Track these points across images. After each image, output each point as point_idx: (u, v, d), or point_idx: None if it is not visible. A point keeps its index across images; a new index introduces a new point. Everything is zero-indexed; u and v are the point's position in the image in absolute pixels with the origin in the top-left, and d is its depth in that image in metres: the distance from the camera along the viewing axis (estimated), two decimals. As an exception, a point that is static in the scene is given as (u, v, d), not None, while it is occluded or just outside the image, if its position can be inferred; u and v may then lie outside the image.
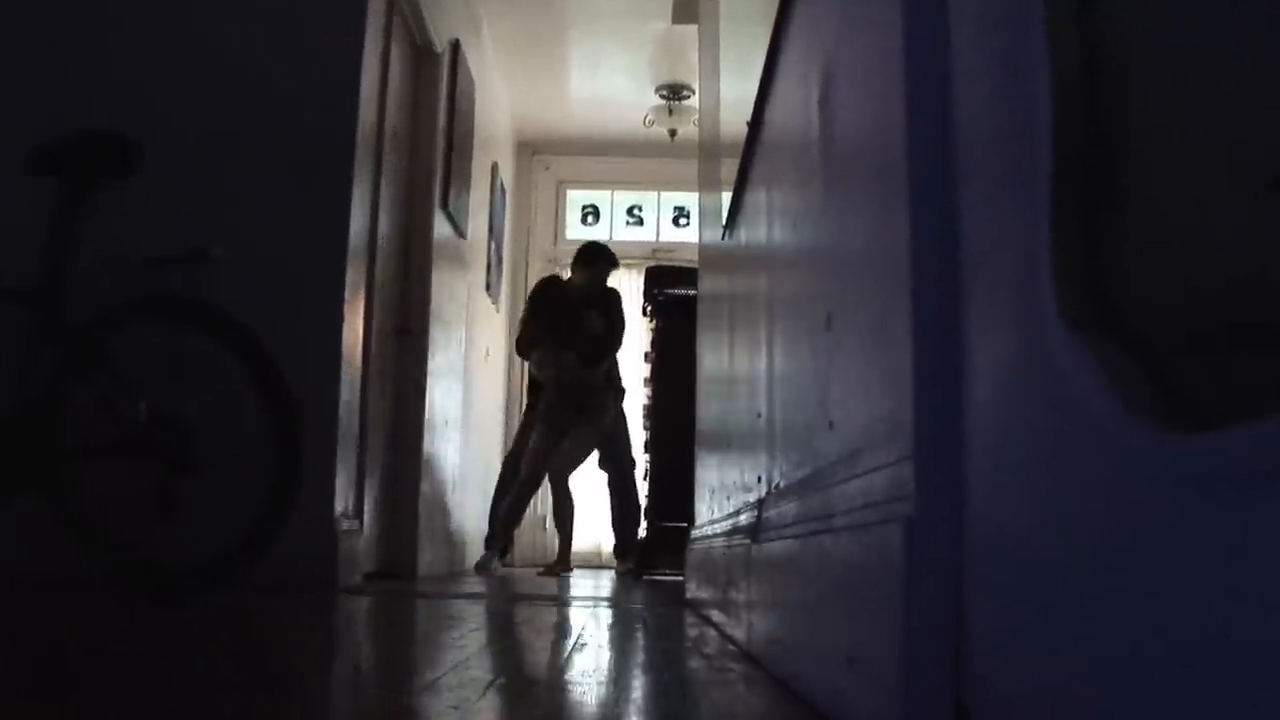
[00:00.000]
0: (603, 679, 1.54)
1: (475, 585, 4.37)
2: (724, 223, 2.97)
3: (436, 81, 4.95)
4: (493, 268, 6.93)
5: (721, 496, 2.84)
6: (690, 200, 7.64)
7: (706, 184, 4.02)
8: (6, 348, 2.65)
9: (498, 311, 7.33)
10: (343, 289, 3.52)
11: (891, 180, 1.01)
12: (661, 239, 8.30)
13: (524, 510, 6.02)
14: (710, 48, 4.09)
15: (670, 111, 7.29)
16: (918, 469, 0.91)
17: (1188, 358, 0.62)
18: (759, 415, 2.07)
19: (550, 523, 7.88)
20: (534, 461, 5.83)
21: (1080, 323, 0.66)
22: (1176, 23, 0.69)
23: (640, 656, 1.94)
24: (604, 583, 5.19)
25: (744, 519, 2.13)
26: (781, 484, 1.72)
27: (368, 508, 3.92)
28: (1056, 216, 0.69)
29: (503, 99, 7.32)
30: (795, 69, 1.73)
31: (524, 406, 6.31)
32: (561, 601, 3.47)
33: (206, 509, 2.64)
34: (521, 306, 7.52)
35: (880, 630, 0.94)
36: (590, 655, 1.86)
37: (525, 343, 6.03)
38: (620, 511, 6.00)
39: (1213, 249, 0.64)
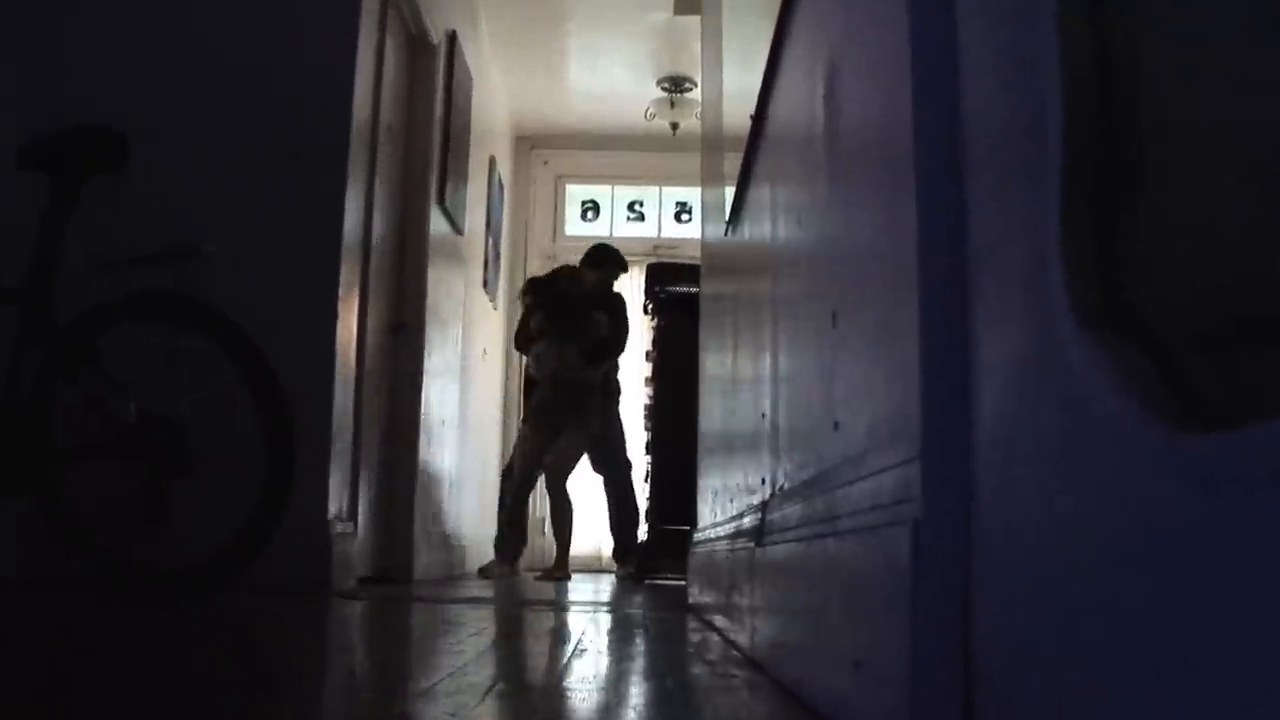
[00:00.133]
0: (603, 685, 1.54)
1: (473, 590, 4.37)
2: (727, 218, 2.98)
3: (432, 74, 4.96)
4: (490, 265, 6.94)
5: (724, 499, 2.84)
6: (692, 195, 7.64)
7: (709, 179, 4.02)
8: (-6, 346, 2.65)
9: (495, 309, 7.33)
10: (337, 286, 3.52)
11: (898, 174, 1.01)
12: (663, 235, 8.30)
13: (525, 509, 6.04)
14: (713, 39, 4.09)
15: (672, 104, 7.29)
16: (924, 470, 0.91)
17: (1199, 356, 0.62)
18: (763, 415, 2.08)
19: (548, 527, 7.90)
20: (527, 459, 5.84)
21: (1091, 319, 0.66)
22: (1189, 16, 0.69)
23: (641, 662, 1.95)
24: (604, 587, 5.19)
25: (748, 522, 2.13)
26: (786, 486, 1.72)
27: (362, 510, 3.92)
28: (1067, 211, 0.69)
29: (500, 92, 7.32)
30: (800, 62, 1.73)
31: (522, 415, 6.29)
32: (561, 606, 3.48)
33: (198, 510, 2.65)
34: (519, 304, 7.54)
35: (887, 634, 0.94)
36: (590, 661, 1.86)
37: (524, 337, 6.05)
38: (618, 514, 6.01)
39: (1226, 245, 0.65)
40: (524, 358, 6.26)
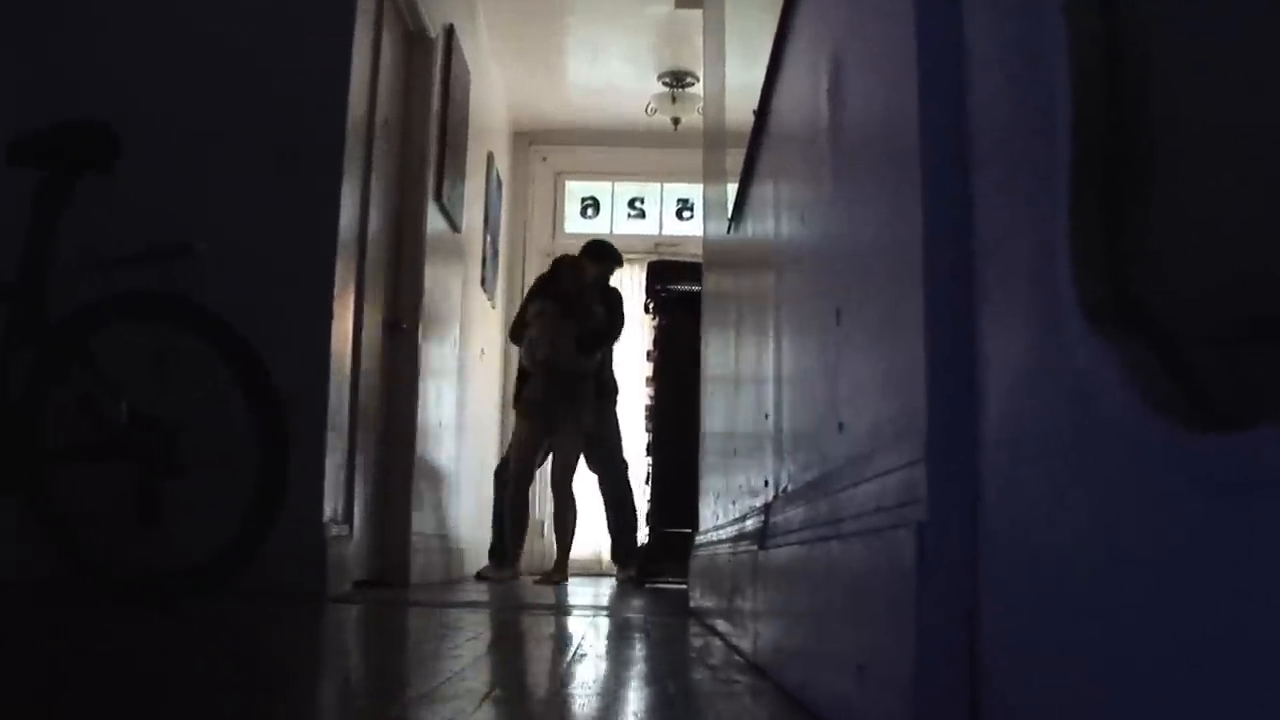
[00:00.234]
0: (602, 691, 1.54)
1: (471, 594, 4.37)
2: (729, 215, 2.98)
3: (429, 69, 4.96)
4: (488, 263, 6.94)
5: (727, 501, 2.84)
6: (694, 192, 7.64)
7: (711, 175, 4.02)
8: (-17, 346, 2.65)
9: (493, 308, 7.33)
10: (332, 284, 3.53)
11: (904, 169, 1.01)
12: (664, 232, 8.30)
13: (526, 507, 6.04)
14: (715, 33, 4.09)
15: (673, 99, 7.29)
16: (930, 471, 0.91)
17: (1210, 353, 0.62)
18: (766, 416, 2.08)
19: (547, 529, 7.90)
20: (522, 452, 5.86)
21: (1099, 314, 0.66)
22: (1200, 6, 0.69)
23: (642, 667, 1.95)
24: (604, 591, 5.19)
25: (750, 524, 2.13)
26: (789, 488, 1.72)
27: (358, 512, 3.93)
28: (1076, 205, 0.69)
29: (498, 87, 7.32)
30: (803, 56, 1.73)
31: (515, 404, 6.28)
32: (561, 611, 3.48)
33: (191, 513, 2.65)
34: (518, 303, 7.55)
35: (892, 638, 0.94)
36: (590, 666, 1.86)
37: (520, 324, 6.07)
38: (616, 517, 6.02)
39: (1238, 242, 0.65)
40: (519, 352, 6.28)
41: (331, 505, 3.56)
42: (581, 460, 6.01)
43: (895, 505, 0.99)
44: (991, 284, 0.87)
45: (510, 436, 6.31)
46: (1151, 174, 0.69)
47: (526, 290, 6.53)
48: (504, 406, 7.81)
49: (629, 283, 6.99)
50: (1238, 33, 0.65)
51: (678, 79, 7.24)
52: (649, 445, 6.07)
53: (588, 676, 1.69)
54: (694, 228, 7.56)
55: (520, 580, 6.01)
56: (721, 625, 2.49)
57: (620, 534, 6.03)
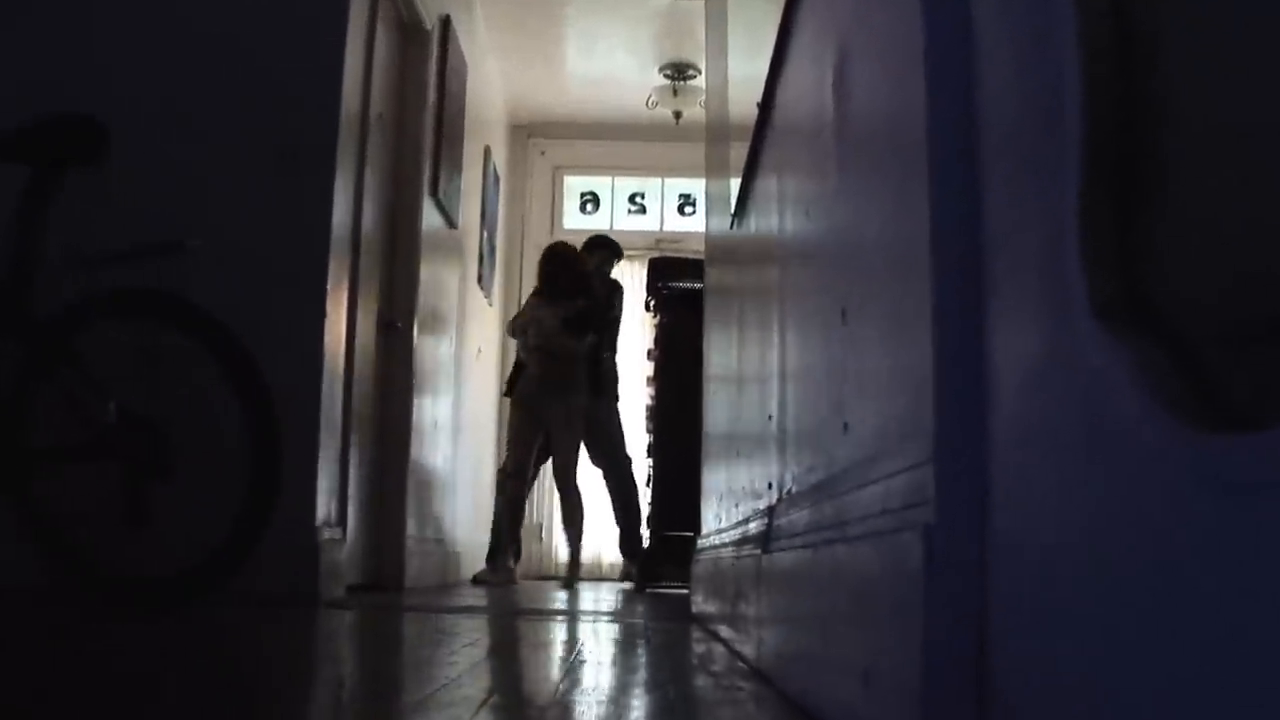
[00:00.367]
0: (603, 698, 1.54)
1: (468, 598, 4.38)
2: (732, 211, 2.98)
3: (425, 61, 4.96)
4: (485, 260, 6.94)
5: (729, 503, 2.85)
6: (696, 187, 7.64)
7: (714, 169, 4.03)
8: (-33, 344, 2.66)
9: (490, 306, 7.33)
10: (325, 282, 3.53)
11: (911, 164, 1.02)
12: (666, 228, 8.30)
13: (522, 506, 6.05)
14: (718, 24, 4.09)
15: (675, 92, 7.29)
16: (938, 473, 0.91)
17: (1222, 353, 0.62)
18: (770, 417, 2.08)
19: (544, 531, 7.90)
20: (517, 450, 5.88)
21: (1110, 311, 0.66)
22: (1215, 1, 0.69)
23: (643, 674, 1.95)
24: (604, 595, 5.20)
25: (754, 527, 2.13)
26: (794, 490, 1.72)
27: (352, 515, 3.93)
28: (1086, 200, 0.70)
29: (496, 79, 7.32)
30: (808, 48, 1.74)
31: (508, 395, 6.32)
32: (560, 615, 3.48)
33: (181, 516, 2.65)
34: (516, 302, 7.55)
35: (898, 644, 0.94)
36: (590, 672, 1.87)
37: (518, 316, 6.20)
38: (623, 506, 6.04)
39: (1252, 239, 0.65)
40: (516, 346, 6.34)
41: (324, 508, 3.57)
42: (585, 458, 6.03)
43: (902, 507, 0.99)
44: (1000, 280, 0.87)
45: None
46: (1163, 169, 0.69)
47: (525, 287, 6.61)
48: (501, 406, 7.82)
49: (629, 280, 7.00)
50: (1255, 18, 0.66)
51: (679, 71, 7.24)
52: (649, 446, 6.07)
53: (587, 683, 1.70)
54: (696, 223, 7.56)
55: (518, 584, 6.01)
56: (724, 631, 2.49)
57: (627, 519, 6.05)
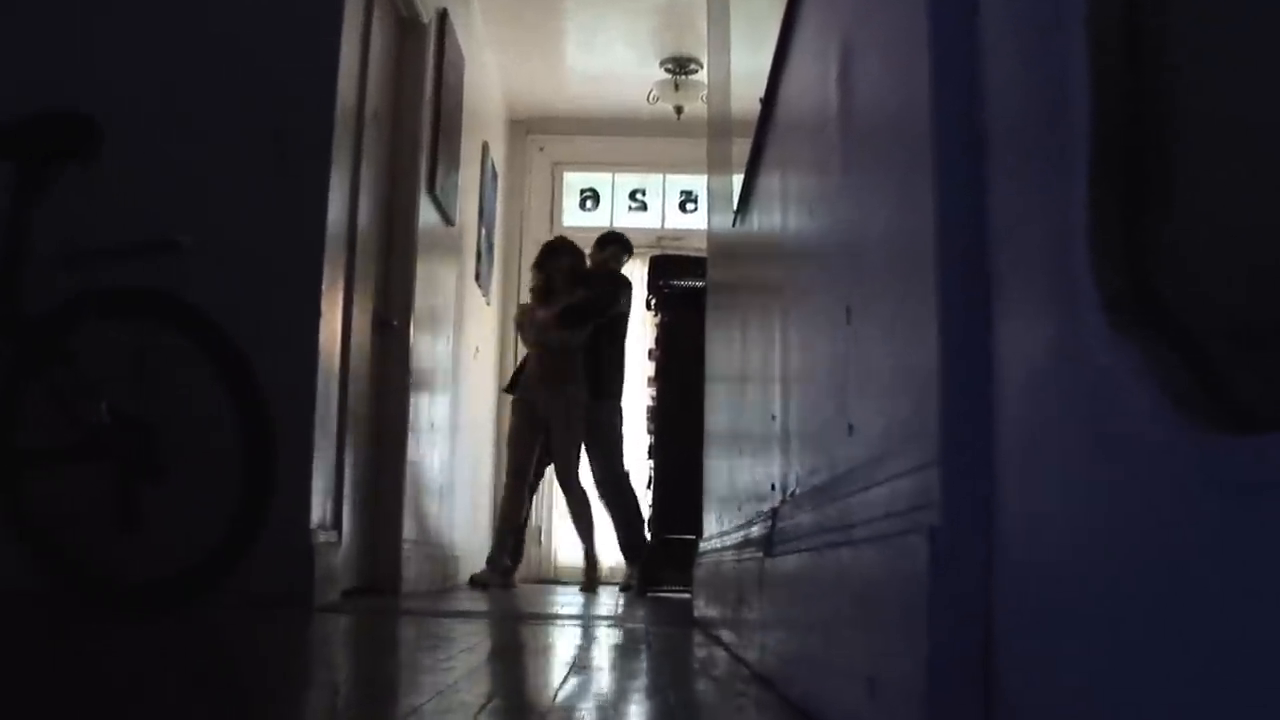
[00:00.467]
0: (604, 703, 1.54)
1: (465, 602, 4.38)
2: (735, 208, 2.98)
3: (422, 55, 4.96)
4: (483, 257, 6.94)
5: (732, 506, 2.85)
6: (698, 183, 7.63)
7: (716, 166, 4.03)
8: (-44, 344, 2.66)
9: (488, 304, 7.33)
10: (320, 280, 3.53)
11: (916, 159, 1.02)
12: (667, 226, 8.30)
13: (521, 506, 6.06)
14: (720, 17, 4.09)
15: (676, 87, 7.28)
16: (943, 475, 0.91)
17: (1232, 350, 0.62)
18: (772, 417, 2.08)
19: (544, 535, 7.91)
20: (516, 451, 5.90)
21: (1118, 307, 0.66)
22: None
23: (644, 679, 1.95)
24: (604, 599, 5.20)
25: (756, 530, 2.13)
26: (797, 492, 1.73)
27: (347, 517, 3.93)
28: (1094, 194, 0.70)
29: (494, 74, 7.32)
30: (812, 43, 1.74)
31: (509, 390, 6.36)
32: (559, 620, 3.48)
33: (173, 518, 2.65)
34: (514, 300, 7.56)
35: (903, 648, 0.94)
36: (590, 678, 1.87)
37: (522, 315, 6.28)
38: (616, 514, 6.01)
39: (1263, 235, 0.65)
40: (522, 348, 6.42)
41: (319, 510, 3.57)
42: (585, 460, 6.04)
43: (907, 509, 1.00)
44: (1006, 276, 0.87)
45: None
46: (1171, 163, 0.69)
47: (524, 285, 6.64)
48: (501, 407, 7.82)
49: (630, 278, 7.00)
50: (1265, 17, 0.66)
51: (681, 65, 7.23)
52: (650, 448, 6.07)
53: (587, 689, 1.70)
54: (698, 220, 7.56)
55: (516, 587, 6.01)
56: (726, 635, 2.49)
57: (625, 531, 6.00)
